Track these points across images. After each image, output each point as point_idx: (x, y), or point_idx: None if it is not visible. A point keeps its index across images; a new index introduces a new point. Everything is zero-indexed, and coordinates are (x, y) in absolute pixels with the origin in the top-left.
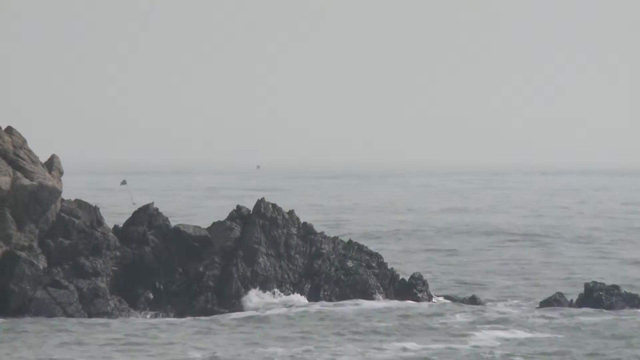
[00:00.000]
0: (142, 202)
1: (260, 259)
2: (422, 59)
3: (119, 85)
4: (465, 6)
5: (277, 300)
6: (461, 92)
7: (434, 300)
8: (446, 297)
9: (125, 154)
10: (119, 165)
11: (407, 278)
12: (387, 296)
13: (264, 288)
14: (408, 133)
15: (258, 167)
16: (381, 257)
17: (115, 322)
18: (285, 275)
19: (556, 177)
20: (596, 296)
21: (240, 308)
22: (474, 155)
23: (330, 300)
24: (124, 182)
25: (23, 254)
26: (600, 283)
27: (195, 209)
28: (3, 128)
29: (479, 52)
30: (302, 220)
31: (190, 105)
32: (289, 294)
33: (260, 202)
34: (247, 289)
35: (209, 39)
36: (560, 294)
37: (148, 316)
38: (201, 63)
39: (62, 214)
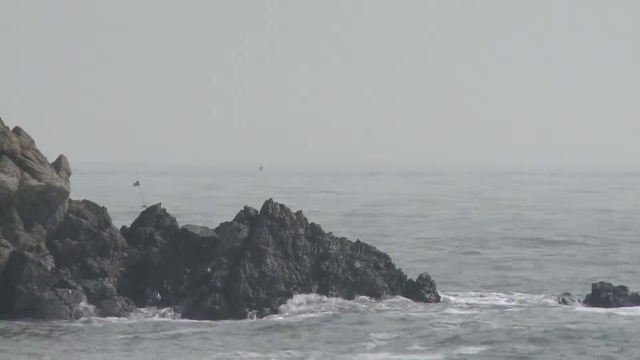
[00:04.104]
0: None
1: (268, 260)
2: (423, 59)
3: (119, 85)
4: (465, 6)
5: None
6: (463, 92)
7: (441, 301)
8: (454, 297)
9: (124, 154)
10: (123, 165)
11: (414, 278)
12: (395, 297)
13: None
14: (408, 133)
15: (261, 168)
16: (389, 257)
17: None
18: (293, 276)
19: None
20: (604, 297)
21: None
22: (474, 154)
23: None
24: (136, 184)
25: (31, 255)
26: (607, 283)
27: None
28: (10, 128)
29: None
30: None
31: (190, 106)
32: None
33: (268, 203)
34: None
35: (208, 39)
36: (567, 294)
37: (156, 316)
38: (200, 63)
39: (70, 215)
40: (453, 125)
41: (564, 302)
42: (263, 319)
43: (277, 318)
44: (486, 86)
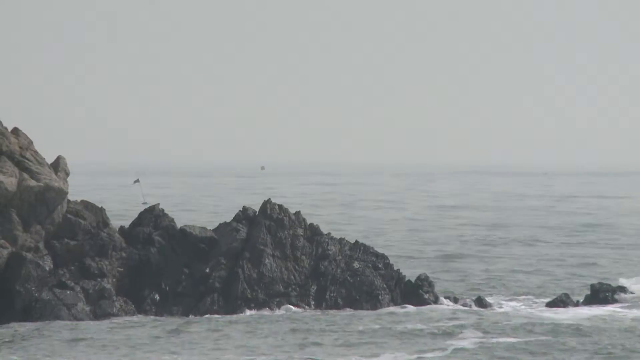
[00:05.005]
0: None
1: (266, 260)
2: (422, 59)
3: (119, 85)
4: (465, 7)
5: None
6: (463, 92)
7: (439, 302)
8: (452, 299)
9: (124, 154)
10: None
11: (413, 279)
12: (393, 298)
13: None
14: (408, 134)
15: (262, 168)
16: (387, 258)
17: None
18: (292, 277)
19: None
20: (602, 297)
21: None
22: (473, 155)
23: (336, 302)
24: (136, 181)
25: (29, 255)
26: (606, 284)
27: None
28: (9, 129)
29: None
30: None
31: (190, 106)
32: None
33: (266, 203)
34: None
35: (208, 40)
36: (566, 295)
37: (154, 317)
38: (200, 63)
39: (68, 215)
40: (453, 125)
41: (563, 302)
42: (260, 318)
43: (275, 318)
44: (487, 86)
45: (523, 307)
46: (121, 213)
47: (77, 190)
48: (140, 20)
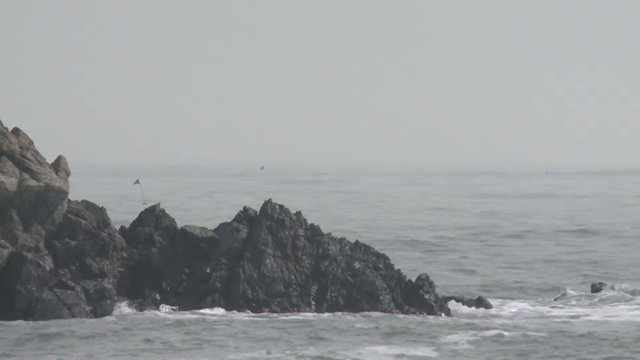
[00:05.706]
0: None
1: (267, 261)
2: (421, 59)
3: (119, 85)
4: (465, 6)
5: None
6: (460, 92)
7: (440, 302)
8: (453, 298)
9: (124, 154)
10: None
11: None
12: (394, 298)
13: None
14: (408, 133)
15: (262, 167)
16: (388, 258)
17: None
18: (292, 277)
19: None
20: (603, 296)
21: None
22: (473, 155)
23: (337, 302)
24: (137, 182)
25: (29, 255)
26: (607, 283)
27: None
28: (10, 129)
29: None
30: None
31: (190, 106)
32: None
33: (267, 204)
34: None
35: (209, 40)
36: (567, 294)
37: (154, 317)
38: (200, 64)
39: (69, 215)
40: (453, 125)
41: (564, 301)
42: (261, 318)
43: (275, 318)
44: (487, 86)
45: (524, 306)
46: (122, 212)
47: (78, 190)
48: (141, 20)
